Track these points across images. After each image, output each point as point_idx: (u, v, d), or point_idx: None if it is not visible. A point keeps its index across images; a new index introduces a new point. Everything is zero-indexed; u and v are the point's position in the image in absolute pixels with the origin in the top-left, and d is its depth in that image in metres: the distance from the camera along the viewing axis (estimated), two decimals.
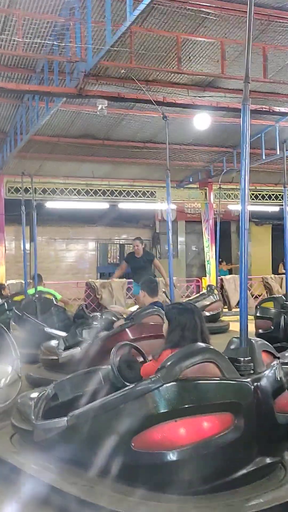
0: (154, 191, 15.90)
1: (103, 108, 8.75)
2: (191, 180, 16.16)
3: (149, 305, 5.91)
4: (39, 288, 10.08)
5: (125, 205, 16.15)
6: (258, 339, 3.52)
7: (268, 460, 2.89)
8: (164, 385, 2.82)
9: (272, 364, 3.20)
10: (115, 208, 16.30)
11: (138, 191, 15.85)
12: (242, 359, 3.07)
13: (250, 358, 3.09)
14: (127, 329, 5.68)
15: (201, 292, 13.31)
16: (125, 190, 15.72)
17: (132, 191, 15.83)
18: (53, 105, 8.69)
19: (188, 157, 14.13)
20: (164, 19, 7.51)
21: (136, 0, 5.58)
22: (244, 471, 2.79)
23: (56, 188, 14.62)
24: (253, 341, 3.31)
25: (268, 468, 2.96)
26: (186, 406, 2.81)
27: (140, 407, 2.91)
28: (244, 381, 2.92)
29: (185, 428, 2.79)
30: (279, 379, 3.10)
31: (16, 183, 14.04)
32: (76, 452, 3.17)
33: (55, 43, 7.54)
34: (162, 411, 2.81)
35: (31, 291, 10.05)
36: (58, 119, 10.75)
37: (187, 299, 12.90)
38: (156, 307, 5.76)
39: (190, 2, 7.20)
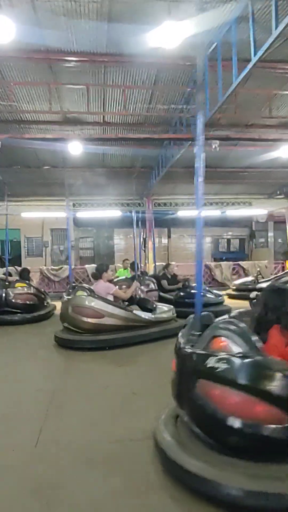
0: (251, 202, 15.33)
1: (216, 146, 8.57)
2: (278, 193, 15.21)
3: None
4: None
5: (231, 212, 15.69)
6: None
7: None
8: None
9: None
10: (224, 214, 15.89)
11: (241, 202, 15.36)
12: None
13: None
14: None
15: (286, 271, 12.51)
16: (231, 201, 15.38)
17: (236, 202, 15.39)
18: (183, 147, 8.73)
19: (276, 176, 13.26)
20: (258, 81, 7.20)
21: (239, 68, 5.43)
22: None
23: (184, 202, 14.69)
24: None
25: None
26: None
27: None
28: None
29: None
30: None
31: (159, 200, 14.53)
32: None
33: (183, 106, 7.59)
34: None
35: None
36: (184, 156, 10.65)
37: (275, 276, 12.20)
38: None
39: (278, 67, 6.84)
